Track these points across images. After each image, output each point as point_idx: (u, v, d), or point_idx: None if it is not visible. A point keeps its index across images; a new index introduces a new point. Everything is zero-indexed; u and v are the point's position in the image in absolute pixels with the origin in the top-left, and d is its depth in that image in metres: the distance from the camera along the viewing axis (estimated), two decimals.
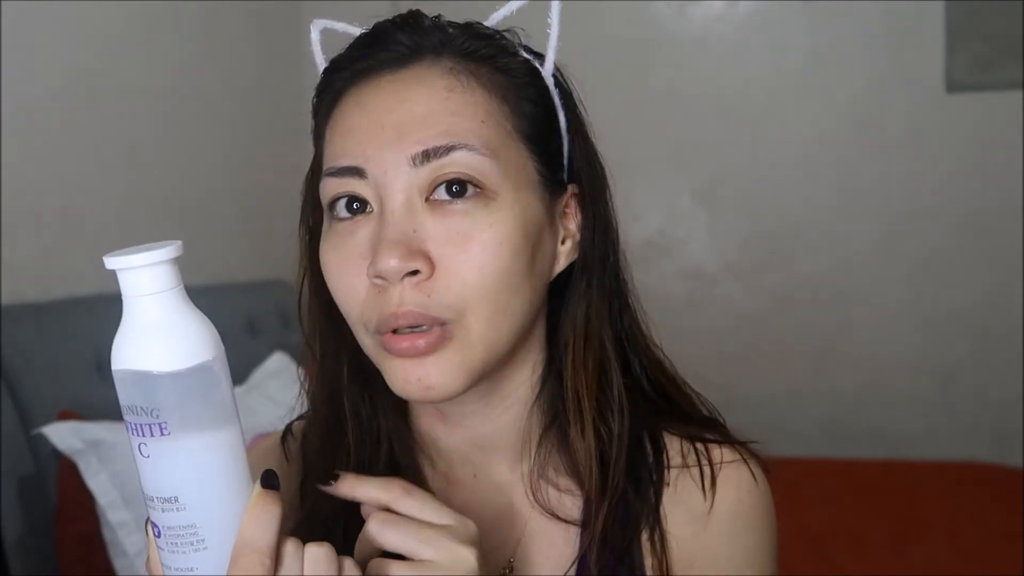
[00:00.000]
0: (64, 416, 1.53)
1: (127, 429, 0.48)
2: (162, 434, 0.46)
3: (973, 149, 2.59)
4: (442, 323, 0.57)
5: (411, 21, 0.62)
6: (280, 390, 1.82)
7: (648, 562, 0.64)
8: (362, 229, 0.59)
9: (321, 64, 0.66)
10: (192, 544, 0.48)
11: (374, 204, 0.59)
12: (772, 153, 2.72)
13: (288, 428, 0.73)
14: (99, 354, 1.70)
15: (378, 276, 0.56)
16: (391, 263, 0.55)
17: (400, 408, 0.68)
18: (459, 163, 0.57)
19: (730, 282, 2.75)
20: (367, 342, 0.60)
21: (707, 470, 0.66)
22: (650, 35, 2.74)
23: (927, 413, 2.65)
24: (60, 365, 1.62)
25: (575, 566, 0.64)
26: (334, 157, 0.60)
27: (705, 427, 0.69)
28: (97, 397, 1.64)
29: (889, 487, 2.15)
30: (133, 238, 2.04)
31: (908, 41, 2.63)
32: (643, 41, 2.73)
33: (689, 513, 0.66)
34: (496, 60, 0.62)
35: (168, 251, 0.47)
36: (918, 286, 2.65)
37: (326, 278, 0.62)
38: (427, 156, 0.57)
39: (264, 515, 0.48)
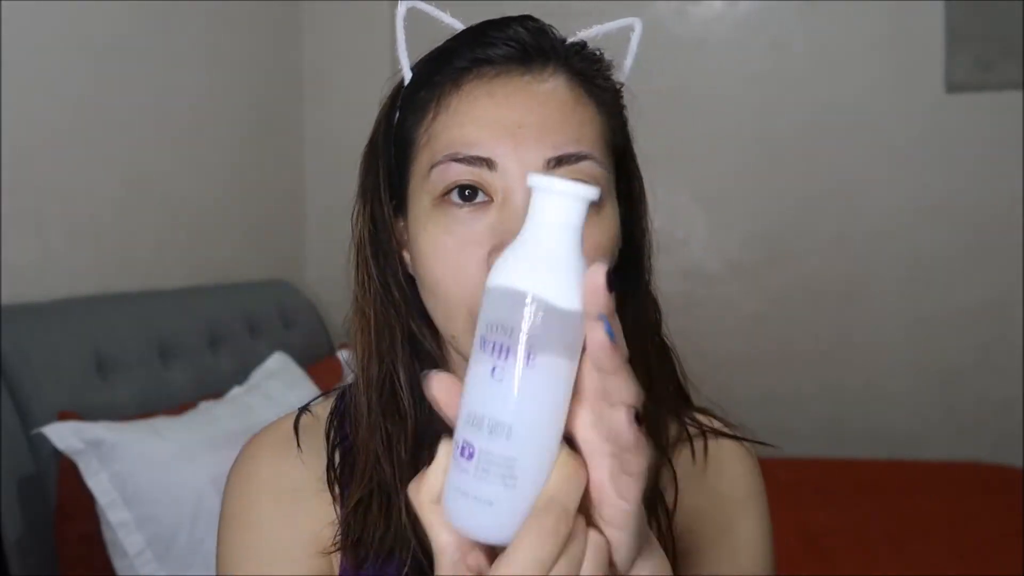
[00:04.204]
0: (64, 416, 1.52)
1: (479, 346, 0.46)
2: (526, 363, 0.45)
3: (973, 149, 2.59)
4: None
5: (532, 23, 0.65)
6: (280, 390, 1.82)
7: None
8: (482, 218, 0.61)
9: (403, 43, 0.67)
10: (503, 477, 0.46)
11: (498, 196, 0.61)
12: (772, 153, 2.72)
13: (302, 411, 0.74)
14: (99, 354, 1.70)
15: None
16: None
17: None
18: (585, 172, 0.61)
19: (730, 282, 2.75)
20: (463, 327, 0.61)
21: (702, 443, 0.73)
22: (650, 35, 2.73)
23: (927, 413, 2.66)
24: (60, 365, 1.62)
25: None
26: (463, 144, 0.61)
27: (701, 412, 0.76)
28: (97, 397, 1.64)
29: (889, 487, 2.15)
30: (133, 238, 2.04)
31: (908, 41, 2.63)
32: (643, 41, 2.73)
33: (685, 482, 0.71)
34: (604, 80, 0.69)
35: (595, 191, 0.46)
36: (918, 286, 2.65)
37: (428, 259, 0.62)
38: (560, 161, 0.61)
39: (576, 476, 0.45)
